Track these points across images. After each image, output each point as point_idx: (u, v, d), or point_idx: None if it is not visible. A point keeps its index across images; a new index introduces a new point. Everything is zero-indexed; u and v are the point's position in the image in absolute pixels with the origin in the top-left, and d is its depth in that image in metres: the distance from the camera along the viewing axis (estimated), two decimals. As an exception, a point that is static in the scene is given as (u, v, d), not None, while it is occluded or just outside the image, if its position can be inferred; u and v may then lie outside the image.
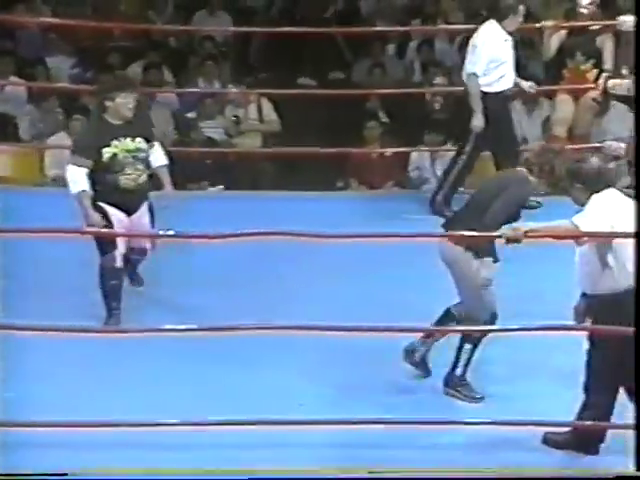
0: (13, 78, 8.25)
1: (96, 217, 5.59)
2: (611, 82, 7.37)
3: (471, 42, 7.02)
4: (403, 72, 8.91)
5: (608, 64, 7.62)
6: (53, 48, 8.72)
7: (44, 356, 5.18)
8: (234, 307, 5.59)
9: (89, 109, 7.71)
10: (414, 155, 7.85)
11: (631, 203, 4.77)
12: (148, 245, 5.75)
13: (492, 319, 5.14)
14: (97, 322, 5.63)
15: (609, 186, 4.75)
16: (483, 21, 7.07)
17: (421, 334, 5.23)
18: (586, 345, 4.81)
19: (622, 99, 7.49)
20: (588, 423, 4.77)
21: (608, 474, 4.50)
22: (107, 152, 5.65)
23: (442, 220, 6.80)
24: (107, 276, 5.66)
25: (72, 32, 8.73)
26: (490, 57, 6.90)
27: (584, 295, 4.82)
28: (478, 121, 6.90)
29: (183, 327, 4.87)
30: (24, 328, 4.86)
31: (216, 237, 4.87)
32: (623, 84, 7.25)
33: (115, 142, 5.65)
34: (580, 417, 4.81)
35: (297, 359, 5.29)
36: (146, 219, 5.74)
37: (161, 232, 5.43)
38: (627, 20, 7.28)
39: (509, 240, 4.80)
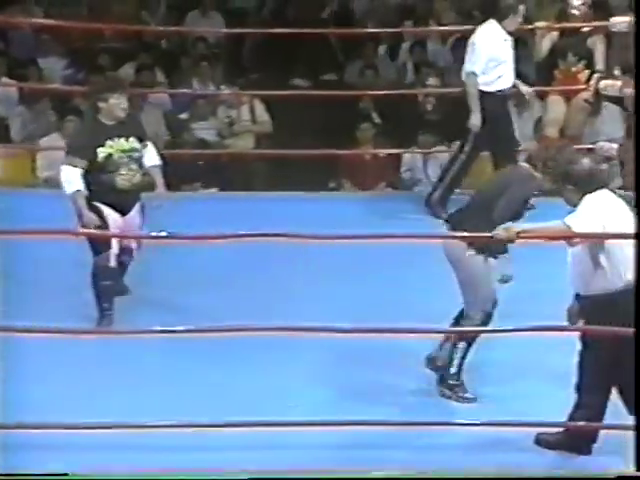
0: (5, 79, 8.24)
1: (90, 217, 5.60)
2: (603, 83, 7.39)
3: (470, 41, 7.03)
4: (395, 73, 8.92)
5: (600, 65, 7.63)
6: (45, 49, 8.72)
7: (39, 357, 5.18)
8: (228, 308, 5.59)
9: (81, 110, 7.72)
10: (406, 156, 7.86)
11: (623, 204, 4.78)
12: (134, 245, 5.76)
13: (486, 319, 5.15)
14: (90, 322, 5.64)
15: (601, 187, 4.76)
16: (482, 21, 7.08)
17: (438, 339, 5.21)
18: (579, 346, 4.81)
19: (614, 100, 7.51)
20: (580, 424, 4.77)
21: (609, 474, 4.51)
22: (102, 152, 5.67)
23: (437, 220, 6.89)
24: (100, 276, 5.67)
25: (64, 33, 8.73)
26: (489, 56, 6.91)
27: (577, 296, 4.83)
28: (476, 120, 6.91)
29: (180, 328, 4.87)
30: (23, 330, 4.85)
31: (210, 238, 4.87)
32: (615, 85, 7.27)
33: (110, 142, 5.67)
34: (572, 417, 4.82)
35: (292, 360, 5.29)
36: (138, 220, 5.75)
37: (154, 234, 5.43)
38: (618, 21, 7.30)
39: (502, 241, 4.82)
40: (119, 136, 5.69)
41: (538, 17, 8.05)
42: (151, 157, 5.85)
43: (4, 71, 8.26)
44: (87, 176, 5.67)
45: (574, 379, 4.86)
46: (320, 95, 7.91)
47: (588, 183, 4.73)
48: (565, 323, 4.90)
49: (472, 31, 7.37)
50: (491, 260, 5.15)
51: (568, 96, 7.93)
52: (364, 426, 4.73)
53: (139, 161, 5.76)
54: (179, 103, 8.36)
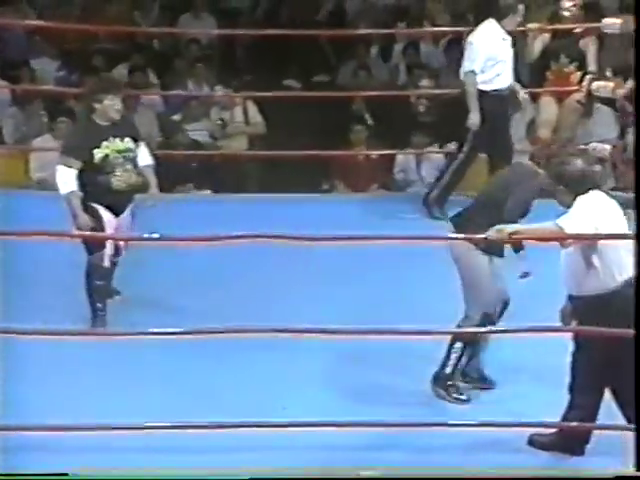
0: (-3, 81, 8.24)
1: (85, 218, 5.61)
2: (595, 84, 7.41)
3: (469, 40, 7.05)
4: (388, 74, 8.93)
5: (592, 66, 7.65)
6: (38, 50, 8.71)
7: (33, 358, 5.17)
8: (223, 309, 5.60)
9: (74, 111, 7.71)
10: (400, 157, 7.87)
11: (615, 205, 4.79)
12: (122, 244, 5.77)
13: (485, 321, 5.15)
14: (85, 323, 5.64)
15: (594, 188, 4.77)
16: (476, 21, 7.10)
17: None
18: (572, 346, 4.82)
19: (606, 101, 7.53)
20: (574, 424, 4.78)
21: (610, 474, 4.52)
22: (99, 153, 5.69)
23: (434, 220, 6.89)
24: (94, 275, 5.68)
25: (57, 34, 8.72)
26: (487, 55, 6.93)
27: (570, 297, 4.84)
28: (475, 119, 6.92)
29: (180, 330, 4.88)
30: (19, 332, 4.85)
31: (203, 240, 4.87)
32: (607, 86, 7.29)
33: (105, 143, 5.68)
34: (565, 418, 4.83)
35: (288, 361, 5.29)
36: (130, 220, 5.77)
37: (146, 235, 5.43)
38: (610, 23, 7.32)
39: (494, 241, 4.83)
40: (114, 137, 5.71)
41: (530, 19, 8.07)
42: (144, 157, 5.87)
43: (-4, 72, 8.27)
44: (82, 177, 5.68)
45: (567, 380, 4.88)
46: (313, 96, 7.91)
47: (581, 184, 4.73)
48: (558, 324, 4.92)
49: (465, 32, 7.39)
50: (497, 260, 5.15)
51: (560, 97, 7.95)
52: (360, 427, 4.73)
53: (134, 161, 5.78)
54: (172, 104, 8.36)
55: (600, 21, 7.42)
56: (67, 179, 5.66)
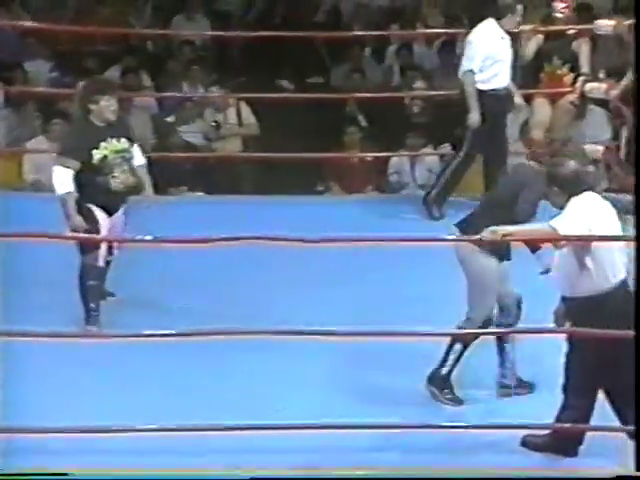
0: (-9, 82, 8.23)
1: (78, 219, 5.63)
2: (588, 86, 7.42)
3: (467, 39, 7.06)
4: (382, 76, 8.94)
5: (585, 68, 7.67)
6: (31, 52, 8.71)
7: (29, 360, 5.17)
8: (219, 311, 5.61)
9: (67, 113, 7.70)
10: (394, 159, 7.88)
11: (609, 206, 4.80)
12: (115, 243, 5.79)
13: (486, 325, 5.15)
14: (79, 323, 5.64)
15: (587, 189, 4.77)
16: (477, 21, 7.12)
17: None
18: (565, 347, 4.83)
19: (599, 103, 7.55)
20: (567, 425, 4.79)
21: (609, 475, 4.53)
22: (97, 154, 5.71)
23: (431, 221, 6.89)
24: (88, 275, 5.69)
25: (50, 36, 8.71)
26: (485, 54, 6.94)
27: (563, 298, 4.85)
28: (475, 117, 6.92)
29: (179, 332, 4.88)
30: (17, 334, 4.85)
31: (197, 242, 4.87)
32: (600, 88, 7.31)
33: (104, 144, 5.70)
34: (559, 419, 4.83)
35: (283, 362, 5.30)
36: (122, 220, 5.80)
37: (139, 237, 5.44)
38: (603, 24, 7.34)
39: (488, 243, 4.83)
40: (111, 137, 5.73)
41: (523, 21, 8.08)
42: (137, 157, 5.88)
43: (-11, 74, 8.26)
44: (79, 177, 5.69)
45: (561, 381, 4.89)
46: (307, 98, 7.92)
47: (574, 185, 4.74)
48: (552, 325, 4.92)
49: (458, 34, 7.39)
50: (505, 264, 5.14)
51: (553, 99, 7.96)
52: (356, 429, 4.73)
53: (130, 161, 5.79)
54: (166, 106, 8.36)
55: (593, 23, 7.44)
56: (64, 180, 5.67)
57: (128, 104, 7.92)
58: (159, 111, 8.34)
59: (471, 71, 6.94)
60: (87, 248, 5.66)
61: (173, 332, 4.87)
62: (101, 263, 5.71)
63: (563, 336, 4.84)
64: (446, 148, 7.88)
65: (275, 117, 8.00)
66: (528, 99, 8.01)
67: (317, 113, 8.02)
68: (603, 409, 4.80)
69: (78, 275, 5.72)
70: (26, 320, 5.12)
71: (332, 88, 8.80)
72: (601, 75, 7.51)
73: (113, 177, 5.70)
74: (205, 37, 9.11)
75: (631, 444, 4.67)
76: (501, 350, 5.22)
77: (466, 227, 5.20)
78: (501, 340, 5.21)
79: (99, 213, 5.72)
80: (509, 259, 5.16)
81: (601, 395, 4.80)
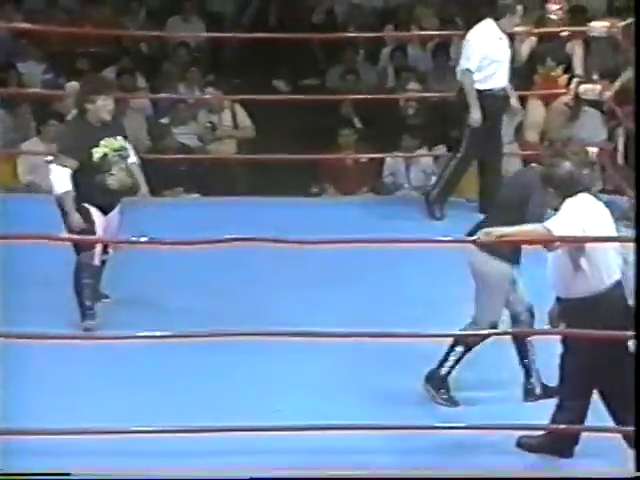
0: (-15, 84, 8.23)
1: (77, 217, 5.64)
2: (582, 87, 7.45)
3: (466, 38, 7.08)
4: (376, 78, 8.96)
5: (578, 70, 7.68)
6: (25, 54, 8.70)
7: (27, 360, 5.17)
8: (216, 312, 5.60)
9: (62, 114, 7.70)
10: (389, 161, 7.89)
11: (604, 208, 4.81)
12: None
13: (491, 328, 5.13)
14: (76, 323, 5.64)
15: (582, 191, 4.78)
16: (473, 22, 7.13)
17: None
18: (560, 349, 4.84)
19: (593, 104, 7.57)
20: (562, 426, 4.80)
21: (611, 474, 4.54)
22: (97, 152, 5.72)
23: (431, 221, 6.90)
24: (84, 273, 5.70)
25: (44, 38, 8.71)
26: (483, 54, 6.95)
27: (558, 299, 4.85)
28: (476, 116, 6.93)
29: (178, 333, 4.89)
30: (20, 336, 4.84)
31: (192, 244, 4.87)
32: (594, 89, 7.32)
33: (103, 142, 5.72)
34: (554, 420, 4.84)
35: (279, 363, 5.30)
36: (118, 219, 5.82)
37: (134, 238, 5.44)
38: (597, 26, 7.36)
39: (482, 244, 4.83)
40: (107, 136, 5.74)
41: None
42: (131, 155, 5.91)
43: (-17, 76, 8.25)
44: (77, 176, 5.70)
45: (556, 382, 4.90)
46: (302, 100, 7.93)
47: (569, 186, 4.74)
48: (547, 326, 4.93)
49: (452, 36, 7.39)
50: (516, 270, 5.12)
51: (548, 100, 7.98)
52: (352, 430, 4.74)
53: (126, 160, 5.81)
54: (160, 108, 8.36)
55: (587, 25, 7.46)
56: (62, 179, 5.68)
57: (123, 105, 7.93)
58: (154, 113, 8.34)
59: (468, 70, 6.95)
60: (83, 247, 5.66)
61: (171, 334, 4.87)
62: (97, 262, 5.73)
63: (558, 337, 4.85)
64: (441, 149, 7.89)
65: (270, 119, 8.00)
66: (522, 100, 8.04)
67: (312, 115, 8.02)
68: (598, 410, 4.80)
69: (73, 273, 5.72)
70: (24, 321, 5.13)
71: (327, 90, 8.82)
72: (595, 77, 7.52)
73: (111, 175, 5.72)
74: (200, 39, 9.11)
75: (625, 445, 4.69)
76: (524, 356, 5.19)
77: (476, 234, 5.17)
78: (521, 347, 5.18)
79: (95, 212, 5.73)
80: (518, 263, 5.12)
81: (596, 396, 4.81)
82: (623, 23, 7.24)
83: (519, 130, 8.07)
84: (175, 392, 5.13)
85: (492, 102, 7.00)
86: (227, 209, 7.02)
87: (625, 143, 6.94)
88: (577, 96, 7.47)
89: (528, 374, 5.20)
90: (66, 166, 5.68)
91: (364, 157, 7.95)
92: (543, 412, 4.88)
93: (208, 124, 8.19)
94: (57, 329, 5.20)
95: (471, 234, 5.09)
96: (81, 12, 9.21)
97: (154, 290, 6.05)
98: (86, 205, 5.71)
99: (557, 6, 7.84)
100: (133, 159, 5.90)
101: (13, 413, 4.75)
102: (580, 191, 4.75)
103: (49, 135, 7.60)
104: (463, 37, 7.23)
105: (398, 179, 7.86)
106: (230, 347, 4.99)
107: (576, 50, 7.73)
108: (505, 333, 5.11)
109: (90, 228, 5.66)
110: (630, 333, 4.66)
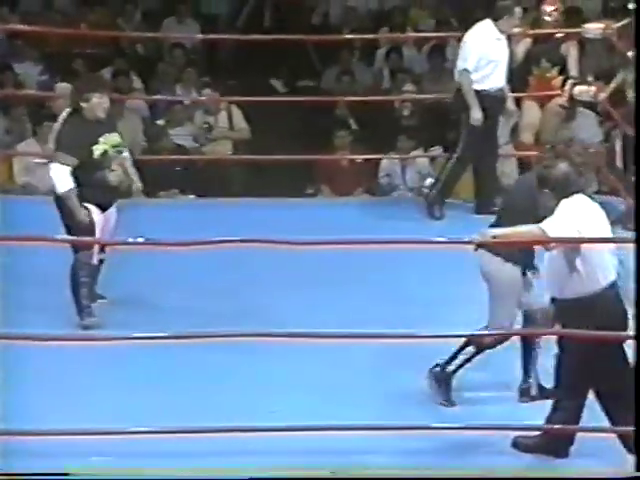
0: (-20, 85, 8.23)
1: (84, 212, 5.66)
2: (577, 89, 7.46)
3: (463, 39, 7.10)
4: (372, 79, 8.97)
5: (573, 71, 7.70)
6: (20, 55, 8.70)
7: (26, 361, 5.18)
8: (215, 312, 5.61)
9: (57, 115, 7.70)
10: (385, 162, 7.90)
11: (599, 209, 4.82)
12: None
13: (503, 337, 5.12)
14: (74, 323, 5.65)
15: (577, 192, 4.79)
16: (473, 22, 7.15)
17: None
18: (555, 349, 4.85)
19: (588, 105, 7.58)
20: (558, 427, 4.81)
21: (610, 475, 4.55)
22: (98, 149, 5.73)
23: (431, 221, 6.90)
24: (81, 272, 5.70)
25: (40, 39, 8.72)
26: (480, 54, 6.96)
27: (553, 300, 4.87)
28: (477, 114, 6.94)
29: (172, 334, 4.89)
30: (20, 337, 4.85)
31: (188, 245, 4.87)
32: (589, 91, 7.34)
33: (102, 139, 5.73)
34: (550, 420, 4.85)
35: (273, 364, 5.30)
36: (115, 217, 5.83)
37: (131, 239, 5.45)
38: (591, 28, 7.38)
39: (479, 246, 4.85)
40: (105, 133, 5.76)
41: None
42: (124, 151, 5.93)
43: (-21, 78, 8.25)
44: (76, 174, 5.70)
45: (551, 382, 4.91)
46: (297, 101, 7.94)
47: (565, 187, 4.75)
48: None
49: (447, 38, 7.39)
50: (528, 274, 5.11)
51: (543, 102, 8.00)
52: (349, 430, 4.74)
53: (122, 155, 5.83)
54: (156, 109, 8.37)
55: (581, 26, 7.48)
56: (63, 177, 5.68)
57: (119, 106, 7.93)
58: (150, 114, 8.35)
59: (466, 70, 6.97)
60: (81, 245, 5.66)
61: (170, 334, 4.87)
62: (95, 261, 5.73)
63: (553, 338, 4.87)
64: (436, 151, 7.90)
65: (266, 120, 8.02)
66: (517, 102, 8.06)
67: (308, 116, 8.04)
68: (593, 410, 4.82)
69: (70, 272, 5.72)
70: (23, 321, 5.13)
71: (323, 91, 8.83)
72: (590, 78, 7.54)
73: (112, 171, 5.74)
74: (196, 40, 9.12)
75: (620, 445, 4.70)
76: (527, 357, 5.19)
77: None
78: (527, 347, 5.18)
79: (95, 211, 5.75)
80: (534, 268, 5.11)
81: (591, 396, 4.82)
82: (618, 25, 7.27)
83: (514, 131, 8.08)
84: (174, 393, 5.13)
85: (489, 102, 7.01)
86: (223, 210, 7.03)
87: (623, 146, 6.96)
88: (572, 97, 7.49)
89: (527, 374, 5.21)
90: (66, 164, 5.69)
91: (360, 158, 7.96)
92: (539, 413, 4.89)
93: (204, 124, 8.20)
94: (56, 330, 5.20)
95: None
96: (77, 13, 9.22)
97: (151, 291, 6.05)
98: (85, 204, 5.71)
99: (552, 7, 7.87)
100: (125, 154, 5.93)
101: (13, 414, 4.75)
102: (575, 192, 4.76)
103: (45, 136, 7.60)
104: (459, 39, 7.25)
105: (394, 180, 7.87)
106: (228, 348, 4.99)
107: (571, 51, 7.74)
108: (505, 333, 5.10)
109: (90, 227, 5.67)
110: (625, 333, 4.67)
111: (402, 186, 7.81)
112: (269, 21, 9.54)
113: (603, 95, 7.28)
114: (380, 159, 7.89)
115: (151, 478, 4.47)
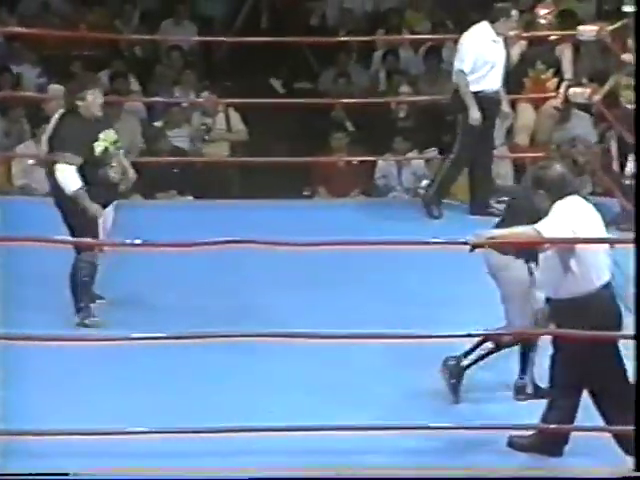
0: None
1: (96, 207, 5.68)
2: (572, 91, 7.51)
3: (460, 41, 7.13)
4: (368, 81, 9.00)
5: (568, 73, 7.74)
6: (19, 57, 8.72)
7: (26, 362, 5.20)
8: (214, 312, 5.63)
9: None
10: (381, 163, 7.93)
11: (594, 210, 4.86)
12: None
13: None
14: (72, 323, 5.67)
15: (572, 193, 4.82)
16: (469, 24, 7.19)
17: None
18: (550, 349, 4.89)
19: (582, 107, 7.62)
20: (552, 426, 4.84)
21: (611, 474, 4.58)
22: (99, 146, 5.75)
23: (431, 221, 6.93)
24: (83, 271, 5.72)
25: (39, 41, 8.74)
26: (476, 55, 6.99)
27: (547, 300, 4.90)
28: (475, 115, 6.96)
29: (170, 334, 4.90)
30: (20, 338, 4.87)
31: (186, 246, 4.89)
32: (584, 93, 7.38)
33: (102, 135, 5.75)
34: (544, 419, 4.88)
35: (271, 365, 5.32)
36: (113, 215, 5.85)
37: (128, 241, 5.48)
38: (586, 30, 7.42)
39: (474, 247, 4.88)
40: (103, 130, 5.78)
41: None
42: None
43: (-23, 79, 8.26)
44: (81, 172, 5.71)
45: (546, 381, 4.94)
46: (294, 103, 7.96)
47: (560, 188, 4.78)
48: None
49: (444, 40, 7.41)
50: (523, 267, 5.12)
51: (537, 104, 8.03)
52: (347, 430, 4.76)
53: (120, 151, 5.86)
54: (154, 111, 8.40)
55: (576, 29, 7.51)
56: (71, 176, 5.68)
57: (117, 108, 7.96)
58: (148, 116, 8.37)
59: (462, 71, 7.00)
60: (85, 245, 5.68)
61: (169, 335, 4.89)
62: (97, 261, 5.74)
63: (548, 337, 4.90)
64: (432, 152, 7.93)
65: (263, 122, 8.04)
66: (512, 104, 8.09)
67: (304, 118, 8.06)
68: (588, 409, 4.85)
69: (70, 271, 5.73)
70: (23, 322, 5.14)
71: (319, 93, 8.85)
72: (584, 80, 7.58)
73: (112, 167, 5.76)
74: (193, 42, 9.14)
75: (614, 444, 4.74)
76: (524, 356, 5.20)
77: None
78: (526, 346, 5.19)
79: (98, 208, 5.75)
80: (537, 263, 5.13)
81: (586, 395, 4.85)
82: (612, 27, 7.31)
83: (509, 133, 8.12)
84: (173, 393, 5.14)
85: (485, 104, 7.05)
86: (220, 211, 7.04)
87: (619, 148, 6.99)
88: (566, 99, 7.53)
89: (523, 372, 5.24)
90: (72, 164, 5.70)
91: (356, 160, 7.99)
92: (534, 412, 4.91)
93: (202, 127, 8.22)
94: (56, 330, 5.22)
95: None
96: (75, 16, 9.24)
97: (150, 292, 6.06)
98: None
99: (547, 10, 7.90)
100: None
101: (13, 414, 4.76)
102: (570, 193, 4.79)
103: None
104: (455, 41, 7.29)
105: (390, 181, 7.90)
106: (227, 348, 5.00)
107: (565, 54, 7.78)
108: (503, 333, 5.12)
109: (94, 227, 5.68)
110: (620, 333, 4.71)
111: (398, 187, 7.84)
112: (266, 23, 9.57)
113: (597, 97, 7.32)
114: (376, 160, 7.93)
115: (151, 478, 4.49)
